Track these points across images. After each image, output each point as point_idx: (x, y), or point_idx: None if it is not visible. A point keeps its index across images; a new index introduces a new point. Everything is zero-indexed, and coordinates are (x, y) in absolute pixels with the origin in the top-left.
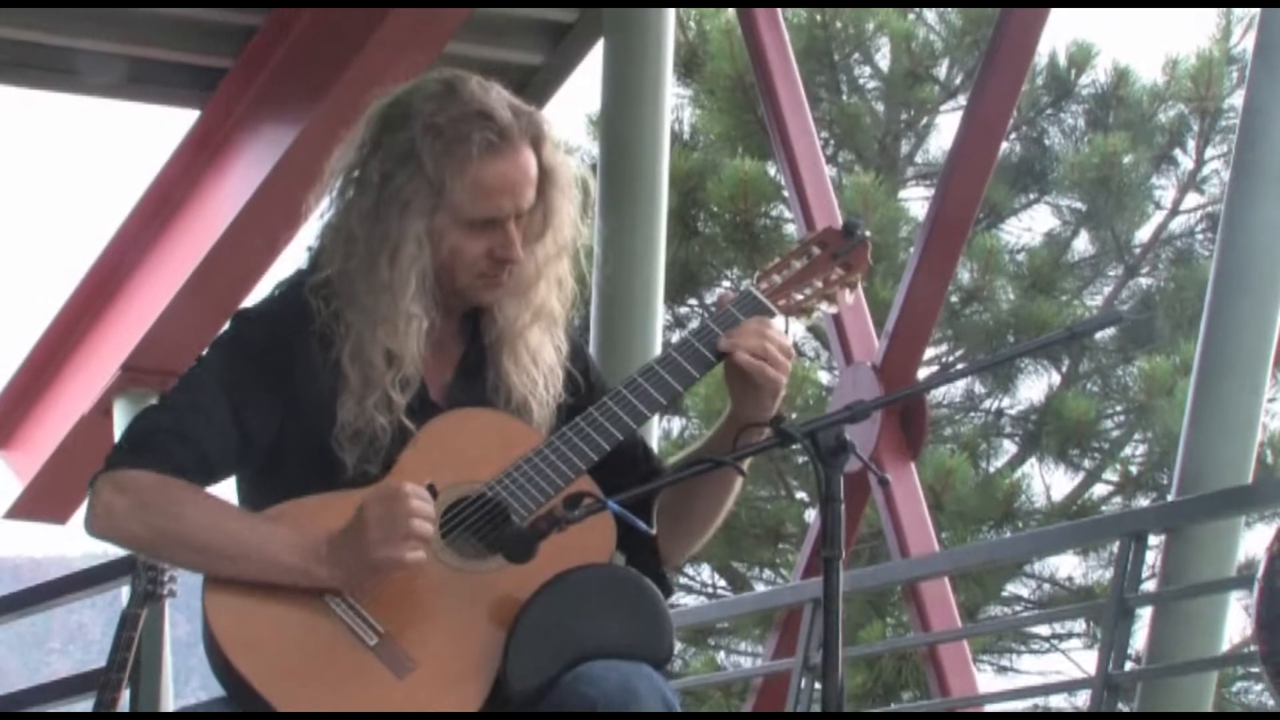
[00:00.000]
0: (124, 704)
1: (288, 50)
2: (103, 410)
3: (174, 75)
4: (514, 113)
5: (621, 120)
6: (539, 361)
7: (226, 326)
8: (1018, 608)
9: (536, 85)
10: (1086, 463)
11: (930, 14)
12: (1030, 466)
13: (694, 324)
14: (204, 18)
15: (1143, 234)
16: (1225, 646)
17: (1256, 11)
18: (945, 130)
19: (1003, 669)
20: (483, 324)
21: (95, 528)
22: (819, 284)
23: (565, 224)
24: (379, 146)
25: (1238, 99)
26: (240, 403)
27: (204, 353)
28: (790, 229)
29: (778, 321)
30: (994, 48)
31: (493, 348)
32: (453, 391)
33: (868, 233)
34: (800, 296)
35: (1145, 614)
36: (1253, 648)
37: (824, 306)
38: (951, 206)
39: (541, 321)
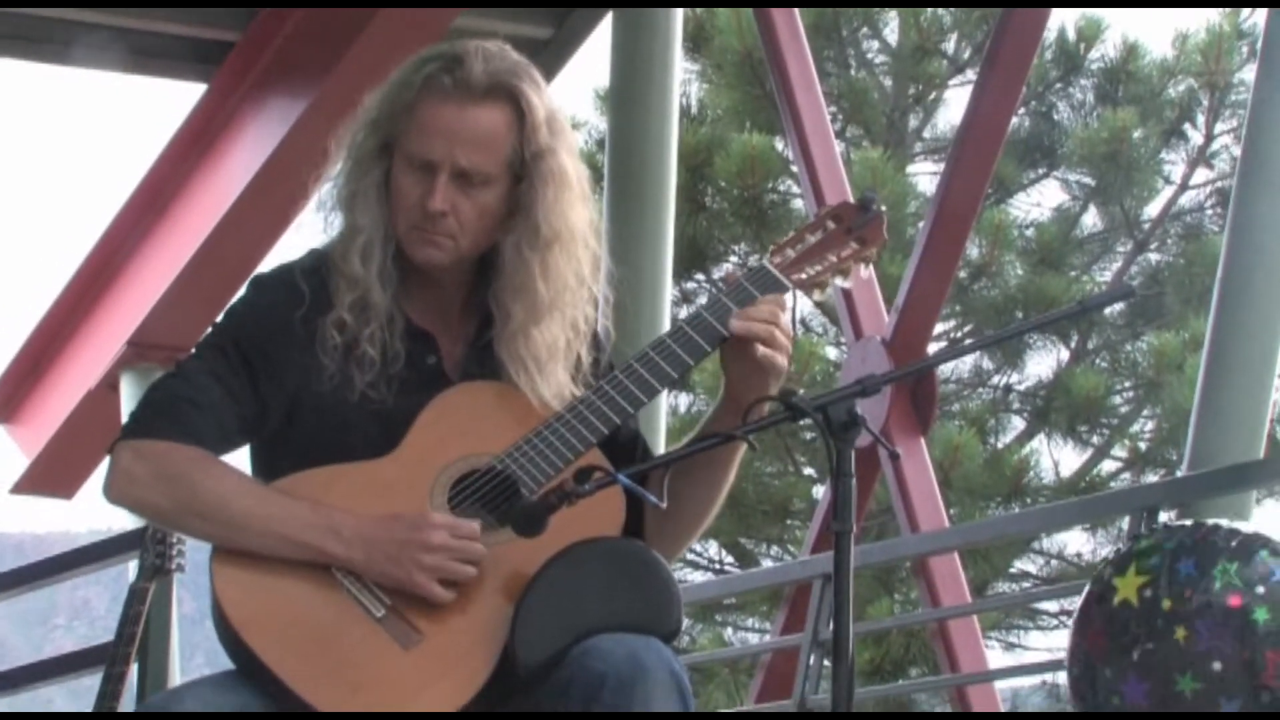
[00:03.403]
0: (131, 679)
1: (295, 24)
2: (109, 385)
3: (180, 49)
4: (491, 74)
5: (630, 95)
6: (540, 358)
7: (242, 292)
8: (1026, 584)
9: (544, 59)
10: (1095, 439)
11: None
12: (1039, 442)
13: (705, 298)
14: None
15: (1152, 209)
16: None
17: None
18: (954, 105)
19: (1011, 646)
20: (491, 306)
21: (113, 494)
22: (833, 258)
23: (554, 215)
24: (364, 111)
25: (1248, 73)
26: (256, 370)
27: (219, 319)
28: (798, 204)
29: (788, 297)
30: (1003, 22)
31: (497, 337)
32: (466, 365)
33: (883, 207)
34: (814, 271)
35: None
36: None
37: (838, 280)
38: (961, 182)
39: (540, 316)
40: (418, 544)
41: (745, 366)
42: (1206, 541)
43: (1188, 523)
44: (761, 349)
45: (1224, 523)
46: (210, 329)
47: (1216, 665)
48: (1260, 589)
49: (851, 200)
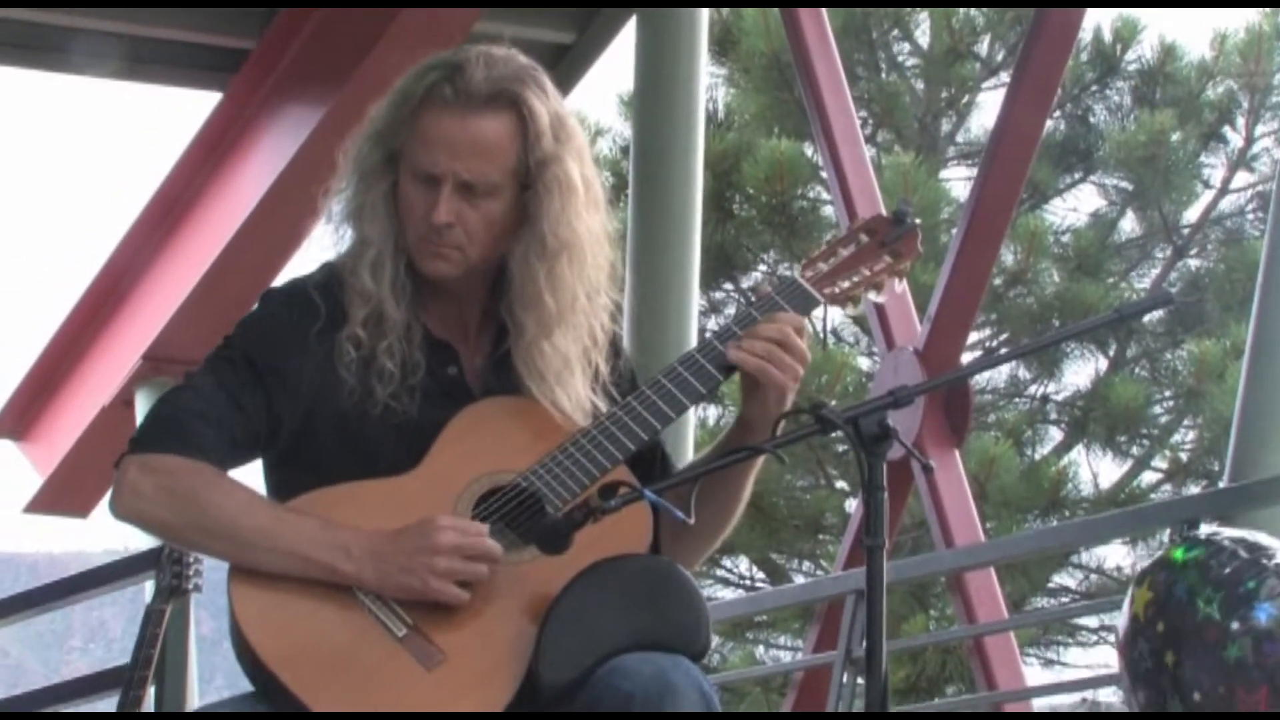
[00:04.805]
0: (149, 702)
1: (311, 31)
2: (124, 401)
3: (195, 57)
4: (493, 81)
5: (655, 100)
6: (557, 370)
7: (255, 306)
8: (1065, 599)
9: (568, 65)
10: (1135, 449)
11: None
12: (1077, 454)
13: (734, 307)
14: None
15: (1191, 214)
16: None
17: None
18: (987, 109)
19: (1049, 662)
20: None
21: (120, 510)
22: (866, 272)
23: (560, 224)
24: (369, 123)
25: None
26: (268, 384)
27: (230, 332)
28: (828, 211)
29: (817, 312)
30: (1037, 24)
31: (513, 350)
32: (486, 375)
33: (917, 220)
34: (847, 284)
35: None
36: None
37: (871, 295)
38: (994, 187)
39: (551, 329)
40: (429, 550)
41: (749, 385)
42: (1205, 565)
43: (1204, 534)
44: (756, 367)
45: (1232, 540)
46: (221, 342)
47: (1196, 696)
48: (1235, 625)
49: (885, 212)
